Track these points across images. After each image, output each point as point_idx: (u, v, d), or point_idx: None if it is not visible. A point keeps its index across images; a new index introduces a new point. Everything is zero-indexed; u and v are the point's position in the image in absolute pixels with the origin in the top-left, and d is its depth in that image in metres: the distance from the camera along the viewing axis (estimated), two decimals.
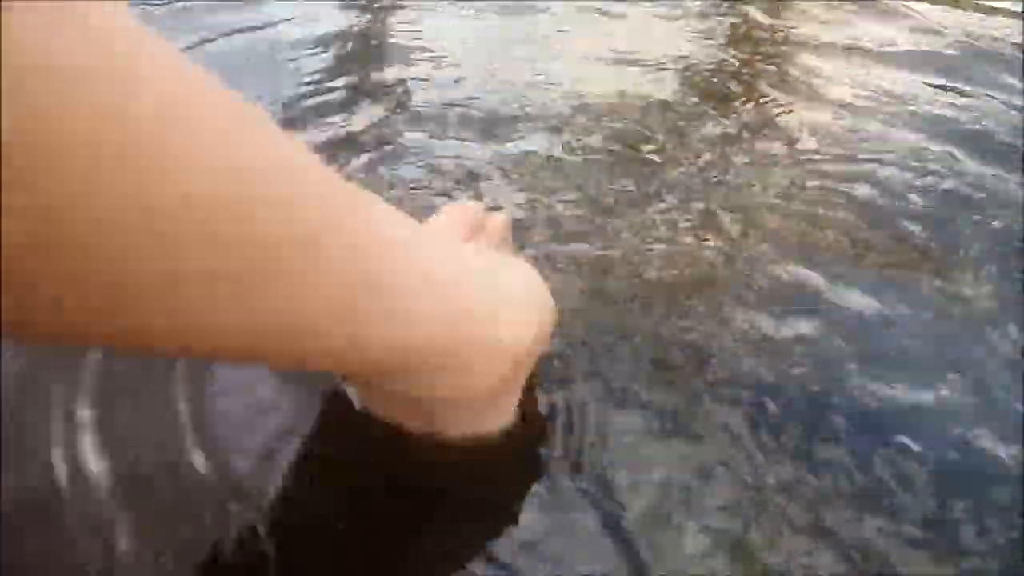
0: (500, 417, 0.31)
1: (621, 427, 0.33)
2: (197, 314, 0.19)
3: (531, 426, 0.32)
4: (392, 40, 0.72)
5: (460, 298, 0.27)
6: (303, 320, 0.22)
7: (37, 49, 0.15)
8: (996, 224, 0.48)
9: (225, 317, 0.20)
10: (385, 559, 0.27)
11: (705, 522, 0.29)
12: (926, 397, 0.35)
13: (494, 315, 0.28)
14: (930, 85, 0.67)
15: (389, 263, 0.24)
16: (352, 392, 0.32)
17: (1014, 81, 0.68)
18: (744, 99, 0.64)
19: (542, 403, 0.33)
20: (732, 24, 0.81)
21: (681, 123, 0.59)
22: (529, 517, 0.29)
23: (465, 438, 0.30)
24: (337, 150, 0.52)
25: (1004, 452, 0.32)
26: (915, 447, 0.32)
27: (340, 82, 0.63)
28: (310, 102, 0.59)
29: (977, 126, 0.61)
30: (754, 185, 0.51)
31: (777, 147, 0.56)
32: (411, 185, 0.49)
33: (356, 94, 0.61)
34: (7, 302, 0.16)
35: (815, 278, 0.42)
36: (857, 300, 0.41)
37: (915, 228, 0.47)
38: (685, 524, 0.29)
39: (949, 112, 0.63)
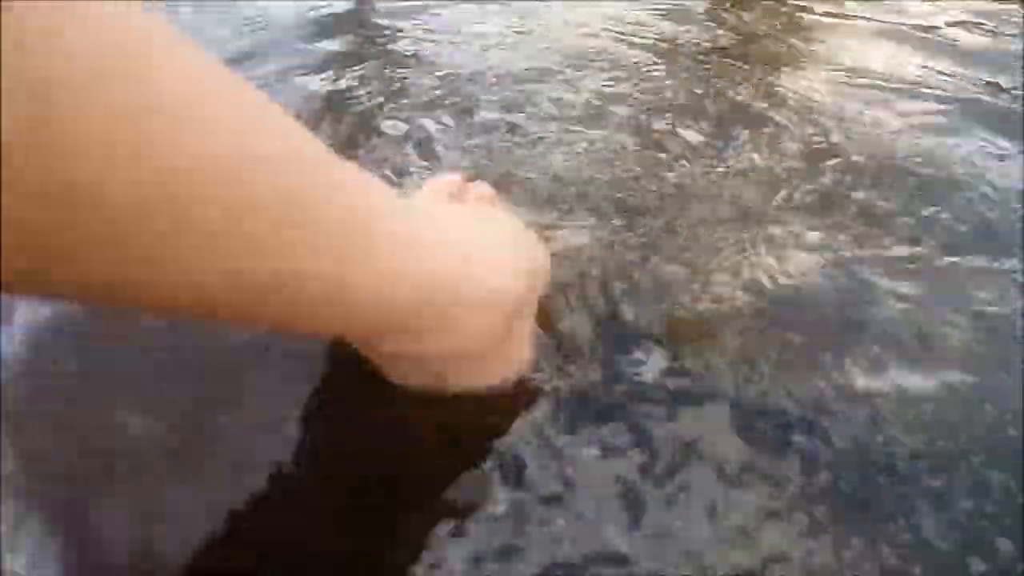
0: (507, 367, 0.32)
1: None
2: (198, 268, 0.20)
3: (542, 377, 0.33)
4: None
5: (442, 257, 0.28)
6: (294, 277, 0.23)
7: (50, 50, 0.16)
8: None
9: (222, 274, 0.21)
10: (396, 511, 0.28)
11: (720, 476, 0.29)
12: None
13: (477, 270, 0.29)
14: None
15: (376, 226, 0.25)
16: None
17: None
18: None
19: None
20: None
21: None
22: (536, 472, 0.29)
23: (475, 389, 0.31)
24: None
25: None
26: None
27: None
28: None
29: None
30: None
31: None
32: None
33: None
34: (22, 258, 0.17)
35: None
36: None
37: None
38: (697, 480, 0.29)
39: None
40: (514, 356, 0.32)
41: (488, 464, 0.29)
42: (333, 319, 0.26)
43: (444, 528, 0.27)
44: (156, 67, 0.18)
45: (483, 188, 0.38)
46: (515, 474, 0.29)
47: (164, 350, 0.33)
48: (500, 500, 0.28)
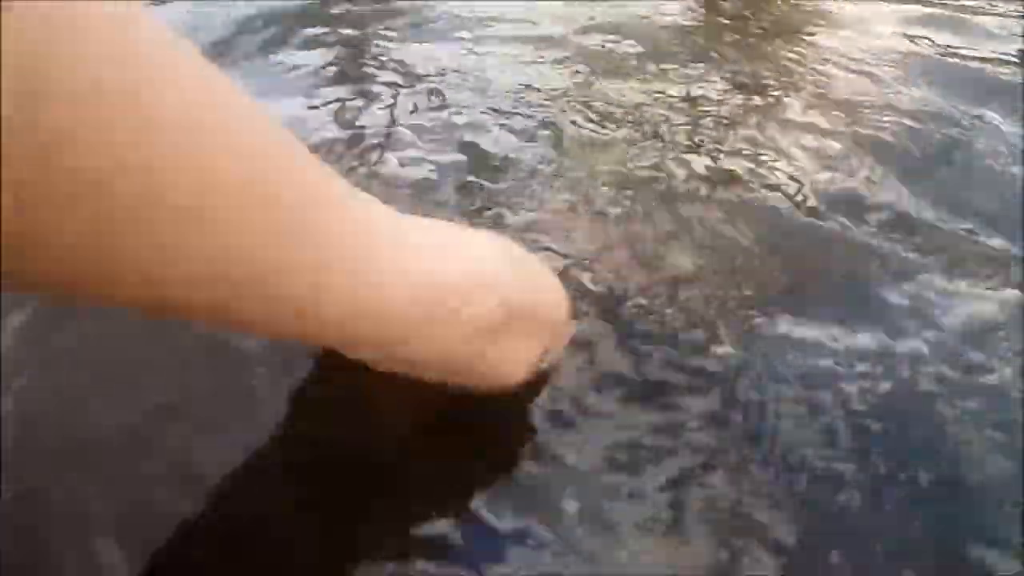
0: (494, 378, 0.30)
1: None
2: (183, 257, 0.20)
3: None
4: None
5: (419, 271, 0.27)
6: (271, 269, 0.22)
7: (51, 64, 0.16)
8: None
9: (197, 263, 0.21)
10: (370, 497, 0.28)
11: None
12: None
13: (458, 281, 0.27)
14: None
15: (353, 226, 0.25)
16: None
17: None
18: None
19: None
20: None
21: None
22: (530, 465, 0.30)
23: (487, 387, 0.30)
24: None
25: None
26: None
27: None
28: None
29: None
30: None
31: None
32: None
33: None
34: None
35: None
36: None
37: None
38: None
39: None
40: (503, 370, 0.31)
41: (471, 451, 0.30)
42: (313, 319, 0.25)
43: (419, 515, 0.28)
44: (154, 79, 0.19)
45: None
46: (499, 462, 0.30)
47: (142, 339, 0.33)
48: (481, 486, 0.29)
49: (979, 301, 0.38)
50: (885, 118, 0.53)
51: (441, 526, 0.28)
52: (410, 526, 0.28)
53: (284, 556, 0.27)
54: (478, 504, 0.28)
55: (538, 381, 0.32)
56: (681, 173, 0.46)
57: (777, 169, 0.47)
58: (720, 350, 0.34)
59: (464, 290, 0.27)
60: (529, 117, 0.51)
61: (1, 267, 0.18)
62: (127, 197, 0.18)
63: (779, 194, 0.45)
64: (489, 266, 0.29)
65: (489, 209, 0.42)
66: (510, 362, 0.30)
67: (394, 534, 0.28)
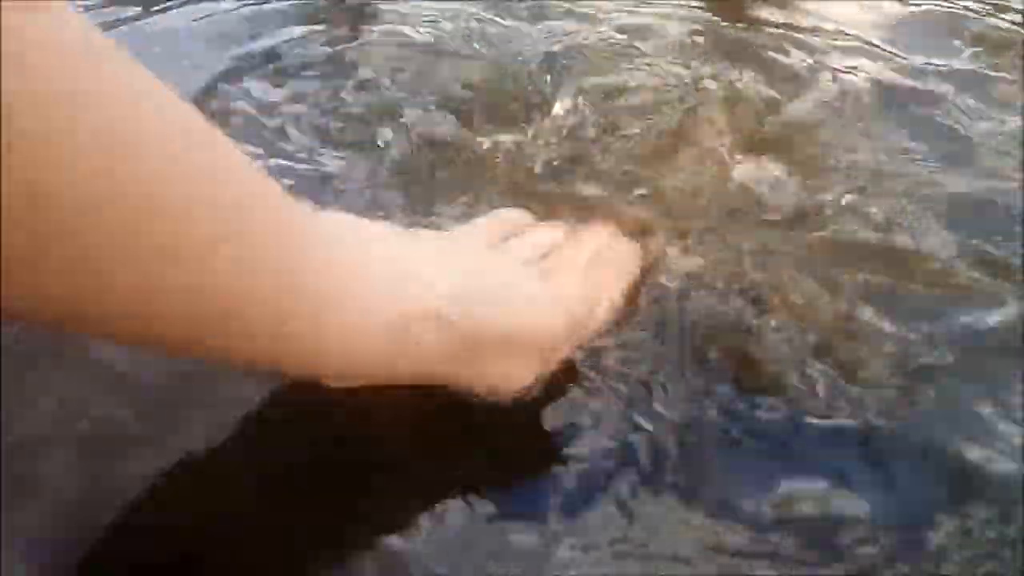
0: (498, 387, 0.30)
1: None
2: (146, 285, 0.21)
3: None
4: None
5: (381, 304, 0.27)
6: (233, 297, 0.23)
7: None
8: None
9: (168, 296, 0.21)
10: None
11: None
12: None
13: (424, 307, 0.27)
14: None
15: (314, 252, 0.25)
16: None
17: None
18: None
19: None
20: None
21: None
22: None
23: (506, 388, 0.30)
24: None
25: None
26: None
27: None
28: None
29: None
30: None
31: None
32: None
33: None
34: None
35: None
36: None
37: None
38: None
39: None
40: (487, 389, 0.30)
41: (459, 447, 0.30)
42: (285, 353, 0.26)
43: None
44: (128, 117, 0.19)
45: (549, 228, 0.36)
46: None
47: None
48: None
49: None
50: None
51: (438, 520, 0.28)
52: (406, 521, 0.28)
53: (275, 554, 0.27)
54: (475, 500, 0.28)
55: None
56: None
57: None
58: None
59: (427, 317, 0.27)
60: None
61: None
62: (106, 236, 0.19)
63: None
64: (449, 291, 0.28)
65: None
66: (493, 382, 0.30)
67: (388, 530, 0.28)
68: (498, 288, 0.30)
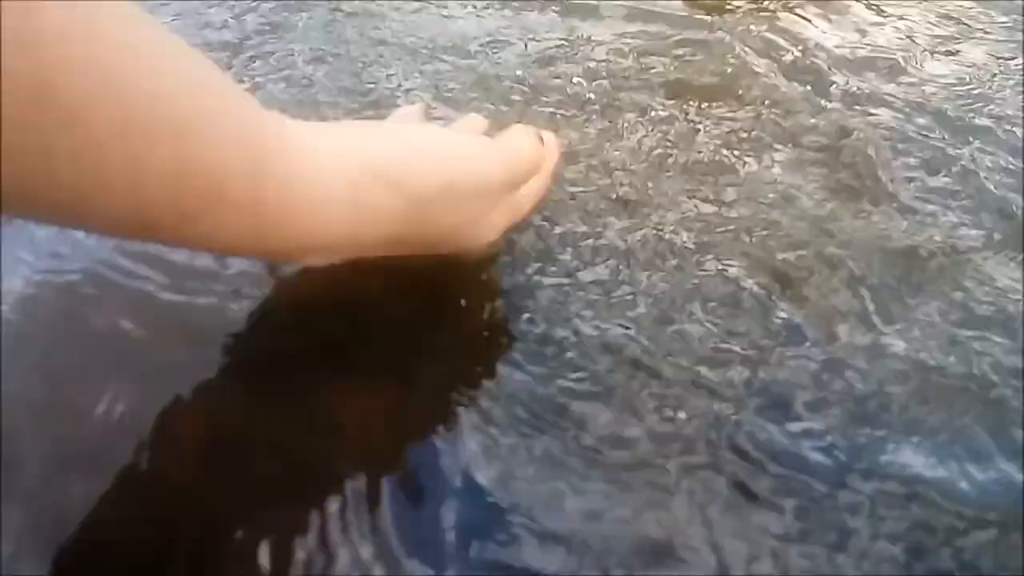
0: (476, 232, 0.35)
1: None
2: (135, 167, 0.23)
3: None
4: None
5: (346, 163, 0.30)
6: (213, 172, 0.25)
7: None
8: None
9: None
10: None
11: None
12: None
13: (389, 159, 0.31)
14: None
15: (279, 142, 0.28)
16: None
17: None
18: None
19: None
20: None
21: None
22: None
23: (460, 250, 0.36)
24: None
25: None
26: None
27: None
28: None
29: None
30: None
31: None
32: None
33: None
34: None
35: None
36: None
37: None
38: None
39: None
40: (465, 235, 0.35)
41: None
42: (260, 223, 0.28)
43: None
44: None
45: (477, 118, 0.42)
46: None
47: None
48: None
49: None
50: None
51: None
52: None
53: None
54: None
55: None
56: None
57: None
58: None
59: (376, 181, 0.30)
60: None
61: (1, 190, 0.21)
62: (107, 123, 0.22)
63: None
64: (393, 155, 0.32)
65: None
66: (452, 239, 0.35)
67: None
68: (433, 149, 0.34)
